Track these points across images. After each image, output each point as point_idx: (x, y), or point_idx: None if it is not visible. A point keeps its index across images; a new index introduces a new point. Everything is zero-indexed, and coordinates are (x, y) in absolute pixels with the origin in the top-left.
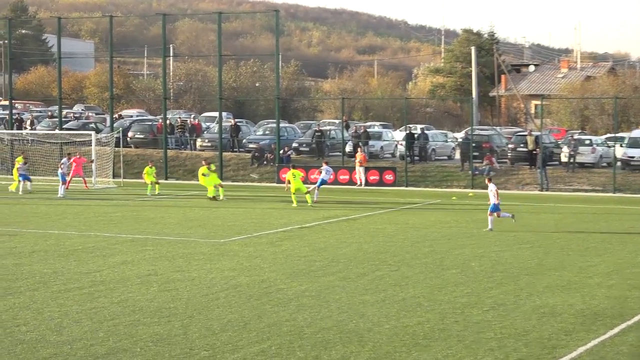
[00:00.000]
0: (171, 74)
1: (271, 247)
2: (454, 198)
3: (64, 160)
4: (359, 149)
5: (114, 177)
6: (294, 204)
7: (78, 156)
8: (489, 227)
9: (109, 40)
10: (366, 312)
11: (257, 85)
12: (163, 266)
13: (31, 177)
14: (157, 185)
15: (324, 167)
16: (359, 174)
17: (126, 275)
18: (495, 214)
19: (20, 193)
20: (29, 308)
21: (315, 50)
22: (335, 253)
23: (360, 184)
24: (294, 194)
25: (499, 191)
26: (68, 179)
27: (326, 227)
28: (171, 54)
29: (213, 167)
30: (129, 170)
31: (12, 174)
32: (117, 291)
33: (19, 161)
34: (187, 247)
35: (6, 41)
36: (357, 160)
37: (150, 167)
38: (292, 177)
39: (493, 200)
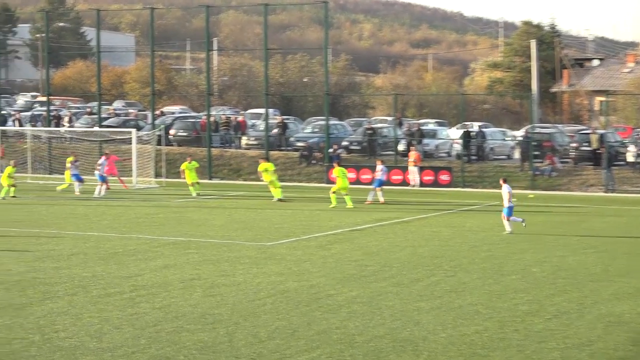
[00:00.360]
0: (215, 68)
1: (320, 251)
2: (513, 200)
3: (102, 160)
4: (412, 148)
5: (155, 176)
6: (333, 204)
7: (107, 153)
8: (508, 229)
9: (150, 33)
10: (421, 320)
11: (305, 80)
12: (207, 270)
13: (82, 177)
14: (197, 185)
15: (380, 166)
16: (413, 174)
17: (168, 280)
18: (507, 217)
19: (77, 193)
20: (68, 313)
21: (366, 43)
22: (388, 257)
23: (414, 185)
24: (333, 192)
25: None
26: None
27: (378, 229)
28: (215, 47)
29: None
30: (171, 169)
31: (50, 173)
32: (159, 296)
33: (69, 160)
34: (232, 250)
35: (43, 35)
36: (410, 160)
37: (190, 162)
38: (342, 174)
39: (506, 203)
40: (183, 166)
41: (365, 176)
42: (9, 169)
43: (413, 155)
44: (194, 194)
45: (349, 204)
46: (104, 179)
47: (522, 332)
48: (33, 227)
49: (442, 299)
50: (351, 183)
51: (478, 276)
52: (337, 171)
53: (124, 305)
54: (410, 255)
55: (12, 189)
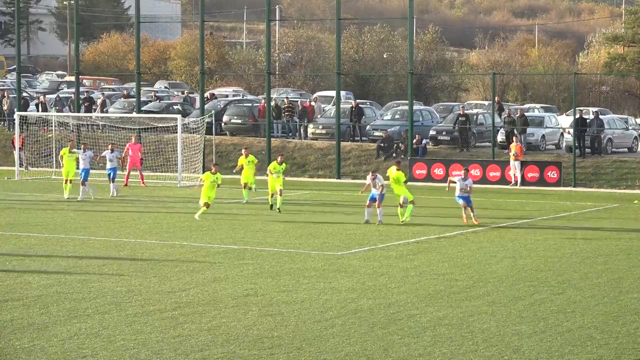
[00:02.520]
0: (277, 43)
1: (401, 262)
2: (636, 202)
3: (106, 152)
4: (514, 139)
5: (204, 171)
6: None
7: (133, 141)
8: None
9: (200, 0)
10: (521, 346)
11: (384, 57)
12: (265, 285)
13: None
14: (251, 188)
15: (375, 179)
16: (514, 169)
17: (218, 296)
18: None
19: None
20: (98, 335)
21: (459, 12)
22: (482, 270)
23: (516, 183)
24: (401, 206)
25: None
26: (126, 172)
27: (471, 237)
28: (277, 17)
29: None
30: (224, 163)
31: (78, 167)
32: (207, 315)
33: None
34: (295, 260)
35: (72, 1)
36: (511, 153)
37: (246, 156)
38: (396, 181)
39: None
40: (240, 162)
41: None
42: None
43: (514, 147)
44: (245, 199)
45: (406, 217)
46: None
47: None
48: (57, 232)
49: (547, 322)
50: (439, 181)
51: (591, 294)
52: (389, 172)
53: (165, 326)
54: (509, 268)
55: None
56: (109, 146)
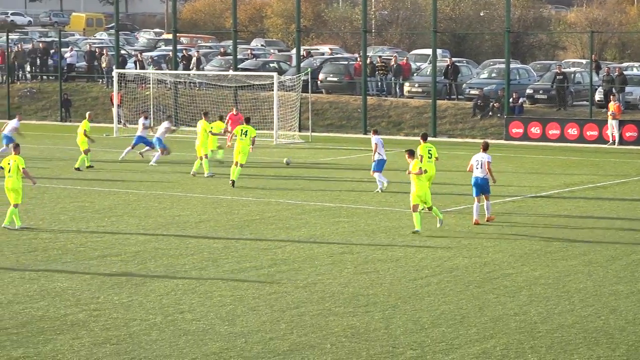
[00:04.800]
0: (373, 0)
1: (497, 221)
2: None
3: (141, 120)
4: (612, 98)
5: (300, 129)
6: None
7: (234, 112)
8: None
9: None
10: (618, 307)
11: (481, 15)
12: (360, 243)
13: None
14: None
15: (376, 138)
16: (612, 129)
17: (314, 253)
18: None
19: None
20: (195, 291)
21: None
22: (578, 230)
23: (614, 142)
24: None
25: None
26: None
27: (567, 196)
28: None
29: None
30: (319, 121)
31: (175, 124)
32: (303, 272)
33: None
34: (390, 219)
35: None
36: (609, 112)
37: (208, 122)
38: (427, 153)
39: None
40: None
41: (554, 131)
42: (85, 125)
43: (613, 106)
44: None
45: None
46: (158, 144)
47: None
48: (155, 188)
49: None
50: (535, 140)
51: None
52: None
53: (261, 283)
54: (605, 229)
55: (84, 156)
56: (143, 113)
